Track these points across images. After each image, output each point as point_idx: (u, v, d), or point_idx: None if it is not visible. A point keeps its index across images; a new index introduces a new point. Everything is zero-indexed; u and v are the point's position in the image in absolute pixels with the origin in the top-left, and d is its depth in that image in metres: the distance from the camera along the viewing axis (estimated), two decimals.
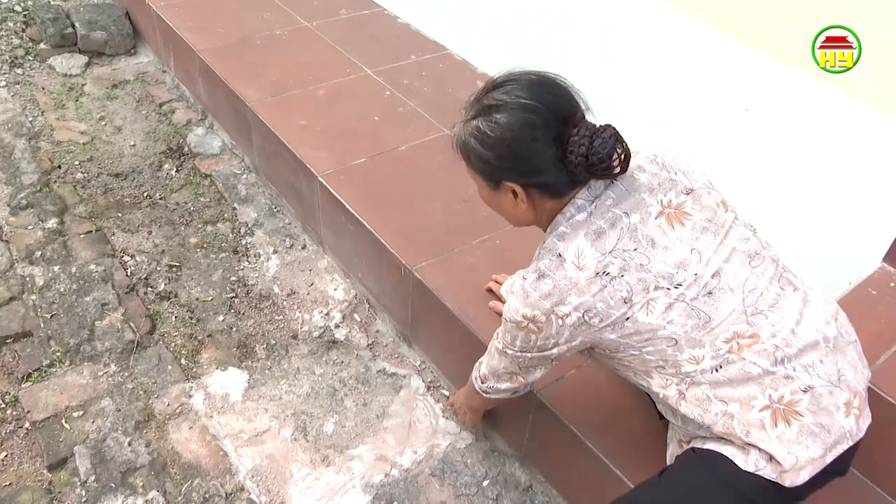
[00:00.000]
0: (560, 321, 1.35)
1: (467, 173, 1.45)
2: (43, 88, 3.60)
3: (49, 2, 4.21)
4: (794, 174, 2.20)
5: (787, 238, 2.19)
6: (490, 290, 2.16)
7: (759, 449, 1.29)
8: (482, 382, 1.72)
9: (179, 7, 3.65)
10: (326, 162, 2.63)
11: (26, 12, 4.07)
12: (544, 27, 2.87)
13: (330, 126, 2.85)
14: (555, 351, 1.43)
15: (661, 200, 1.36)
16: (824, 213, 2.16)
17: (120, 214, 2.89)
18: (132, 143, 3.30)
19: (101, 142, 3.28)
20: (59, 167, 3.09)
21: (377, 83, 3.16)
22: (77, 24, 3.84)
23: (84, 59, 3.83)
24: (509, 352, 1.52)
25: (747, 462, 1.30)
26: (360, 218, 2.40)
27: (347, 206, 2.45)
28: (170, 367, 2.32)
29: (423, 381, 2.35)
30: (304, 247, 2.83)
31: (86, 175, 3.07)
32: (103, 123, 3.41)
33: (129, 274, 2.63)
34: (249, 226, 2.91)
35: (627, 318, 1.32)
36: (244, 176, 3.17)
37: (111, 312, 2.47)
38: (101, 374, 2.28)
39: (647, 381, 1.42)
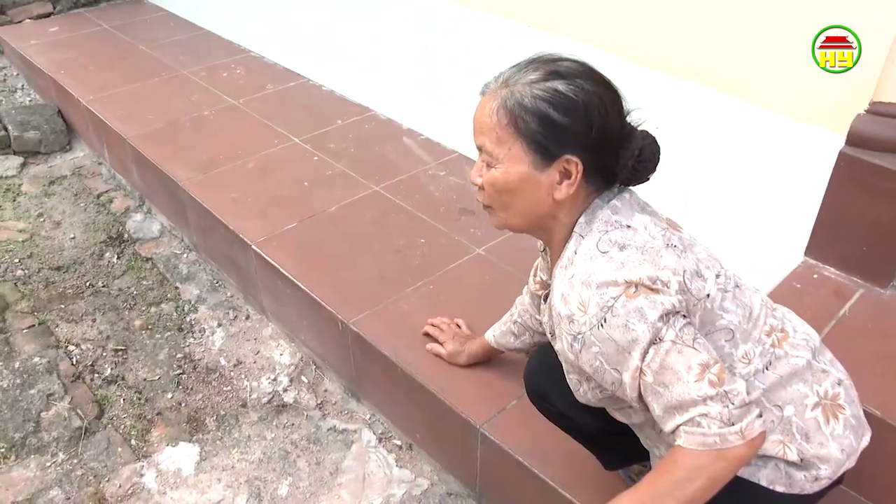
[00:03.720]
0: (666, 288, 1.15)
1: (492, 145, 1.22)
2: None
3: None
4: (713, 183, 2.30)
5: (713, 242, 2.28)
6: (426, 334, 2.21)
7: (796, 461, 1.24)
8: (733, 432, 1.12)
9: (108, 99, 3.73)
10: (259, 230, 2.69)
11: None
12: (456, 79, 2.99)
13: (261, 195, 2.92)
14: (708, 291, 1.20)
15: (655, 212, 1.30)
16: (746, 217, 2.26)
17: (63, 306, 2.91)
18: (72, 235, 3.33)
19: (40, 238, 3.31)
20: None
21: (305, 150, 3.25)
22: (10, 127, 3.89)
23: (19, 159, 3.87)
24: (689, 349, 1.14)
25: (791, 486, 1.25)
26: (295, 280, 2.45)
27: (282, 271, 2.50)
28: (120, 449, 2.32)
29: (374, 433, 2.37)
30: (247, 317, 2.86)
31: (26, 271, 3.08)
32: (42, 220, 3.44)
33: (74, 363, 2.63)
34: (193, 303, 2.94)
35: (708, 295, 1.20)
36: (184, 255, 3.20)
37: (57, 402, 2.47)
38: (48, 464, 2.27)
39: None
